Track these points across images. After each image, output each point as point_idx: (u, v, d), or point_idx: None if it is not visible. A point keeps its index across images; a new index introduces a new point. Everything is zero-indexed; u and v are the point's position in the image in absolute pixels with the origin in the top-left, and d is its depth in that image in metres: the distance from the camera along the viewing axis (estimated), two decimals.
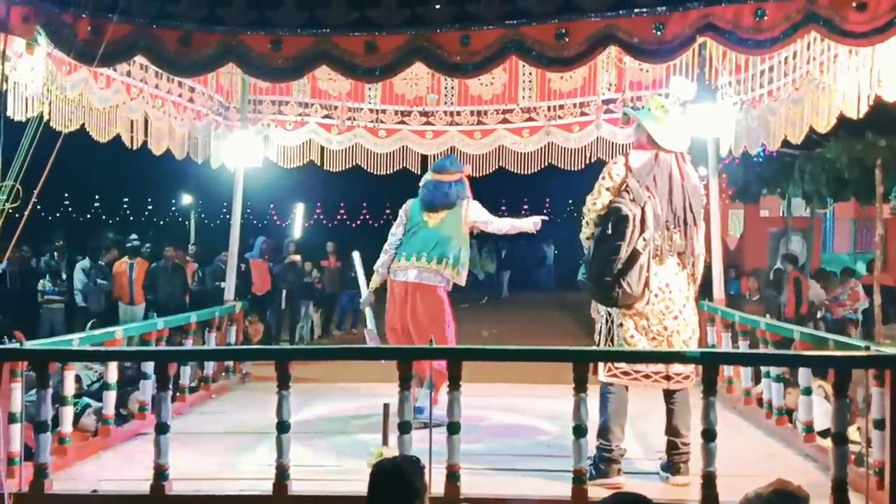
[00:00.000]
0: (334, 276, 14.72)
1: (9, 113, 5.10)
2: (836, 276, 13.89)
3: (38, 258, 14.51)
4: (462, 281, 6.55)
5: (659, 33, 4.82)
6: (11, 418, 4.64)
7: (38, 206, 4.99)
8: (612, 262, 4.66)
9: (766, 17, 4.69)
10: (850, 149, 10.24)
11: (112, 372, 5.75)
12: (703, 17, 4.81)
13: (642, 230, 4.68)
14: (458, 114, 8.58)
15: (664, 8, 4.86)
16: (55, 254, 13.54)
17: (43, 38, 5.16)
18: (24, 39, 5.13)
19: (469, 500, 4.25)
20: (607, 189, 4.80)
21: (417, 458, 3.27)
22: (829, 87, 5.60)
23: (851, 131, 9.46)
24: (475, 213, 6.61)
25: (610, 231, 4.69)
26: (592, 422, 4.59)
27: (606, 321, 4.88)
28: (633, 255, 4.66)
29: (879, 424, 4.41)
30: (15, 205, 4.64)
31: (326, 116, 8.68)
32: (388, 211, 32.00)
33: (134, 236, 14.06)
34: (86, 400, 6.05)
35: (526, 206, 36.60)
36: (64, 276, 12.65)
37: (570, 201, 33.41)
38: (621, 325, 4.78)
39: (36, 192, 4.61)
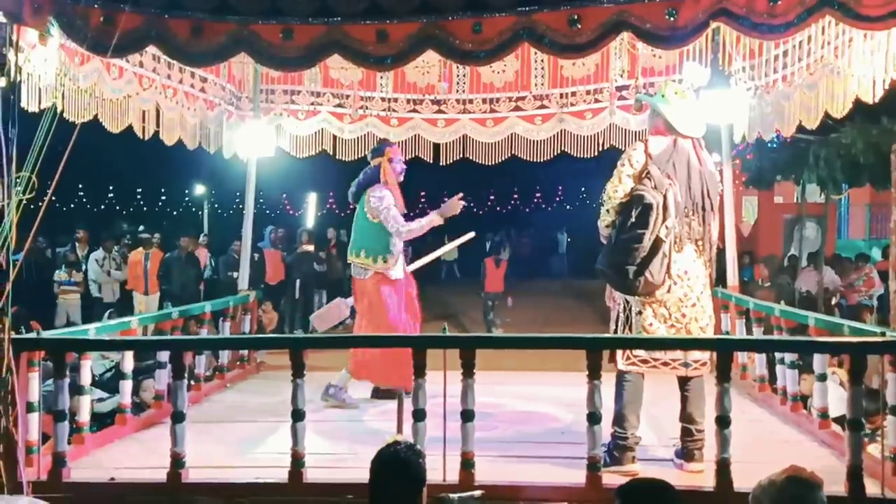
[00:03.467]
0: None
1: (23, 104, 5.10)
2: (850, 262, 13.82)
3: (53, 249, 14.63)
4: (388, 270, 6.47)
5: (672, 19, 4.78)
6: (29, 407, 4.70)
7: (53, 198, 5.02)
8: (634, 251, 4.63)
9: (780, 2, 4.62)
10: (865, 134, 10.14)
11: (128, 361, 5.79)
12: (716, 2, 4.74)
13: (664, 218, 4.66)
14: (471, 102, 8.54)
15: None
16: (76, 245, 13.63)
17: (55, 29, 5.15)
18: (37, 30, 5.14)
19: (483, 487, 4.26)
20: (628, 176, 4.78)
21: (417, 446, 3.25)
22: (843, 72, 5.55)
23: (867, 116, 9.37)
24: (372, 205, 6.52)
25: (633, 219, 4.65)
26: (606, 409, 4.59)
27: (624, 309, 4.85)
28: (656, 244, 4.64)
29: (895, 410, 4.40)
30: (30, 196, 4.66)
31: (338, 105, 8.67)
32: None
33: (141, 228, 14.12)
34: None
35: (539, 194, 36.63)
36: (82, 267, 12.76)
37: (583, 189, 33.36)
38: (640, 312, 4.77)
39: (53, 183, 4.63)
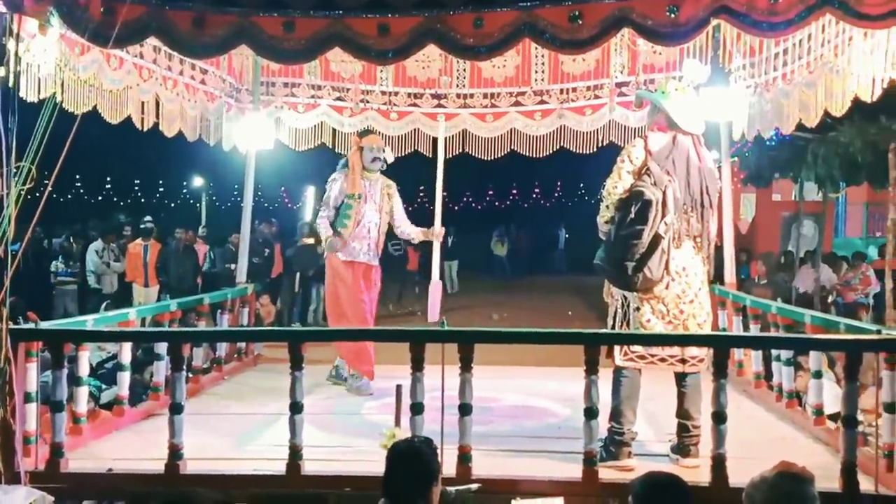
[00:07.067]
0: None
1: (21, 94, 5.09)
2: (846, 260, 13.85)
3: (49, 239, 14.63)
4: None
5: (673, 16, 4.78)
6: (27, 398, 4.70)
7: (51, 188, 5.05)
8: (633, 247, 4.64)
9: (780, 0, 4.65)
10: (863, 133, 10.15)
11: (126, 353, 5.79)
12: None
13: (664, 214, 4.67)
14: (471, 96, 8.55)
15: None
16: (71, 237, 13.63)
17: (55, 19, 5.14)
18: (37, 20, 5.12)
19: (480, 481, 4.28)
20: (628, 172, 4.79)
21: (431, 439, 3.30)
22: (843, 71, 5.56)
23: (865, 115, 9.37)
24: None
25: (633, 216, 4.66)
26: (603, 404, 4.61)
27: (622, 305, 4.86)
28: (655, 240, 4.65)
29: (890, 407, 4.42)
30: (29, 187, 4.65)
31: (338, 98, 8.66)
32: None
33: (148, 218, 14.08)
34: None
35: (538, 190, 36.64)
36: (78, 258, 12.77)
37: (582, 185, 33.38)
38: (638, 308, 4.78)
39: (54, 174, 4.62)
